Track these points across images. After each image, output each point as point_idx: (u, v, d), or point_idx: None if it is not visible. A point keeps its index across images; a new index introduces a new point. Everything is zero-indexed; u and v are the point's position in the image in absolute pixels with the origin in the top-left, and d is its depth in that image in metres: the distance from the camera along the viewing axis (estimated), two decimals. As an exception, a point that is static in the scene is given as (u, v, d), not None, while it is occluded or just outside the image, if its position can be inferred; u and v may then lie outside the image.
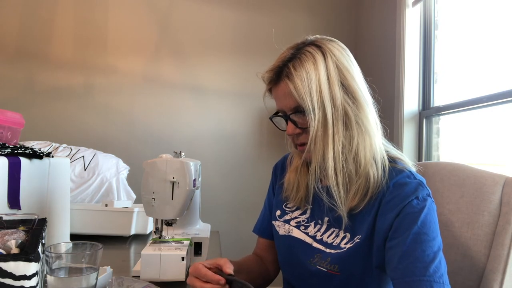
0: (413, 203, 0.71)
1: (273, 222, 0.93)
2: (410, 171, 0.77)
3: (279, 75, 0.77)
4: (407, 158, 0.82)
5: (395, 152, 0.83)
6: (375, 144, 0.77)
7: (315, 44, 0.77)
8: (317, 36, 0.80)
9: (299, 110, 0.76)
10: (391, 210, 0.73)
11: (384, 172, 0.76)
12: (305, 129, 0.78)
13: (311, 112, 0.73)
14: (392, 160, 0.80)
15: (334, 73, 0.75)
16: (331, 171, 0.75)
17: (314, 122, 0.74)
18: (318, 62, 0.74)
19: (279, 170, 0.99)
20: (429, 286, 0.64)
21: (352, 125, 0.75)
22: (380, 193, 0.75)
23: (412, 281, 0.65)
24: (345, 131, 0.76)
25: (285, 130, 0.83)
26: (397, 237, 0.70)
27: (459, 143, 1.82)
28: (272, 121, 0.86)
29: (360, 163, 0.75)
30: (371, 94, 0.81)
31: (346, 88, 0.75)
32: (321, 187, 0.80)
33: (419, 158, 1.98)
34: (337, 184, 0.76)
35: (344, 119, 0.75)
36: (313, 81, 0.73)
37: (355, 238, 0.77)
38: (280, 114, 0.83)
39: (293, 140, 0.84)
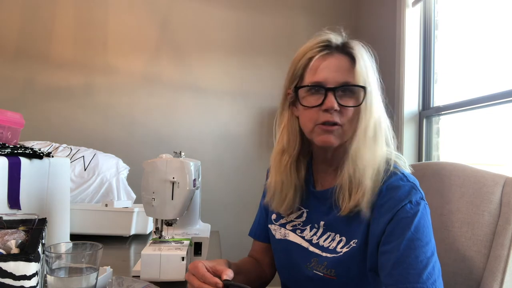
0: (406, 208, 0.70)
1: (269, 225, 0.92)
2: (402, 173, 0.76)
3: (343, 47, 0.78)
4: (402, 159, 0.80)
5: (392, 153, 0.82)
6: (384, 148, 0.78)
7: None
8: None
9: (349, 89, 0.76)
10: (384, 214, 0.72)
11: (379, 173, 0.75)
12: (344, 110, 0.75)
13: (364, 94, 0.75)
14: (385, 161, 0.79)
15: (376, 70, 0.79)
16: (365, 173, 0.73)
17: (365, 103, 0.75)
18: (368, 53, 0.78)
19: None
20: None
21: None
22: (374, 196, 0.74)
23: None
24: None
25: (306, 106, 0.77)
26: (391, 242, 0.70)
27: (459, 143, 1.82)
28: (297, 93, 0.78)
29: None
30: None
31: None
32: (317, 191, 0.79)
33: (419, 158, 1.98)
34: (341, 186, 0.75)
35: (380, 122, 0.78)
36: (369, 68, 0.76)
37: (351, 242, 0.76)
38: (315, 86, 0.76)
39: (322, 117, 0.75)
